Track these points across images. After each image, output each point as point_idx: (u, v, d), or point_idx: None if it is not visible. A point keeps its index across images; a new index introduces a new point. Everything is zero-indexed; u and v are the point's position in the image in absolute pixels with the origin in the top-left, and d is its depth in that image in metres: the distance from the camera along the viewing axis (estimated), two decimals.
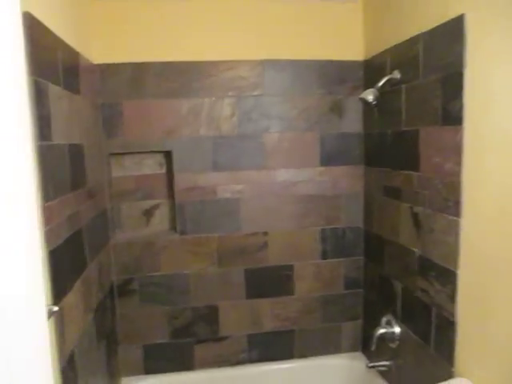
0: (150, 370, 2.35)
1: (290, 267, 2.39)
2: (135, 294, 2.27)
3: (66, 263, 1.44)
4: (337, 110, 2.33)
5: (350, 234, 2.42)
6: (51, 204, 1.33)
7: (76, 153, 1.68)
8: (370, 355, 2.40)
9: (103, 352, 1.93)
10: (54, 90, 1.44)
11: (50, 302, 1.25)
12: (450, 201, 1.58)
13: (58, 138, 1.46)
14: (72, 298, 1.48)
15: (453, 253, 1.58)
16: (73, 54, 1.71)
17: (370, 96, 1.97)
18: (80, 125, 1.76)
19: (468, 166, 1.49)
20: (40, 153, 1.27)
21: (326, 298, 2.46)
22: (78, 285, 1.56)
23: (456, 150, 1.54)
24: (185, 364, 2.38)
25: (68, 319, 1.42)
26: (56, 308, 1.08)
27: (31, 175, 1.22)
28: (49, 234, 1.29)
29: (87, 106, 1.90)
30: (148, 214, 2.35)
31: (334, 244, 2.42)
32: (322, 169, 2.35)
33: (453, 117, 1.55)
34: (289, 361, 2.47)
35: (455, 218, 1.55)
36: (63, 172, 1.50)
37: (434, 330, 1.74)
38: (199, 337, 2.36)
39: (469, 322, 1.53)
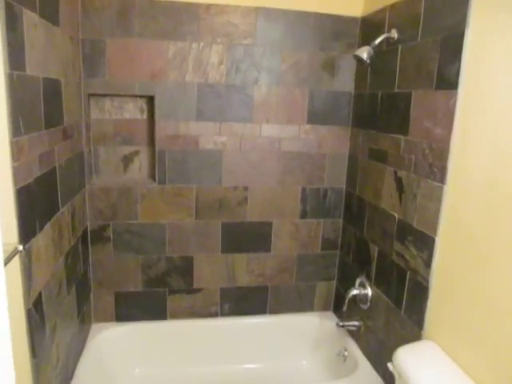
0: (121, 317, 2.35)
1: (269, 224, 2.37)
2: (109, 241, 2.23)
3: (35, 203, 1.38)
4: (329, 67, 2.25)
5: (332, 195, 2.40)
6: (20, 139, 1.26)
7: (52, 88, 1.58)
8: (341, 315, 2.43)
9: (74, 297, 1.90)
10: (29, 16, 1.33)
11: (16, 241, 1.20)
12: (436, 167, 1.55)
13: (32, 70, 1.36)
14: (41, 239, 1.43)
15: (433, 219, 1.57)
16: None
17: (364, 54, 1.90)
18: (58, 59, 1.65)
19: (458, 132, 1.46)
20: (10, 82, 1.19)
21: (302, 257, 2.46)
22: (48, 227, 1.50)
23: (447, 116, 1.50)
24: (157, 313, 2.38)
25: (36, 261, 1.37)
26: (21, 247, 1.03)
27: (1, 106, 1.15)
28: (17, 171, 1.22)
29: (66, 39, 1.78)
30: (127, 160, 2.27)
31: (314, 204, 2.39)
32: (308, 127, 2.29)
33: (448, 81, 1.49)
34: (260, 316, 2.49)
35: (439, 184, 1.53)
36: (36, 107, 1.41)
37: (406, 294, 1.76)
38: (172, 287, 2.36)
39: (441, 288, 1.54)
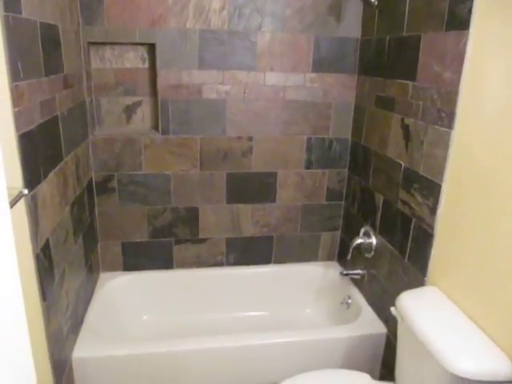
0: (128, 266, 2.39)
1: (274, 174, 2.36)
2: (115, 191, 2.24)
3: (39, 150, 1.37)
4: (335, 11, 2.17)
5: (337, 145, 2.37)
6: (20, 84, 1.23)
7: (50, 34, 1.53)
8: (345, 264, 2.46)
9: (81, 246, 1.92)
10: None
11: (21, 185, 1.20)
12: (444, 112, 1.52)
13: (28, 13, 1.32)
14: (46, 187, 1.43)
15: (440, 165, 1.55)
16: None
17: None
18: (54, 4, 1.59)
19: (468, 75, 1.41)
20: (7, 24, 1.15)
21: (306, 208, 2.47)
22: (52, 175, 1.50)
23: (457, 58, 1.45)
24: (163, 263, 2.42)
25: (42, 207, 1.38)
26: (26, 191, 1.03)
27: None
28: (18, 117, 1.20)
29: None
30: (129, 110, 2.24)
31: (319, 154, 2.37)
32: (314, 75, 2.24)
33: (459, 20, 1.44)
34: (265, 265, 2.53)
35: (447, 130, 1.50)
36: (34, 52, 1.37)
37: (410, 242, 1.76)
38: (178, 237, 2.38)
39: (446, 235, 1.55)
